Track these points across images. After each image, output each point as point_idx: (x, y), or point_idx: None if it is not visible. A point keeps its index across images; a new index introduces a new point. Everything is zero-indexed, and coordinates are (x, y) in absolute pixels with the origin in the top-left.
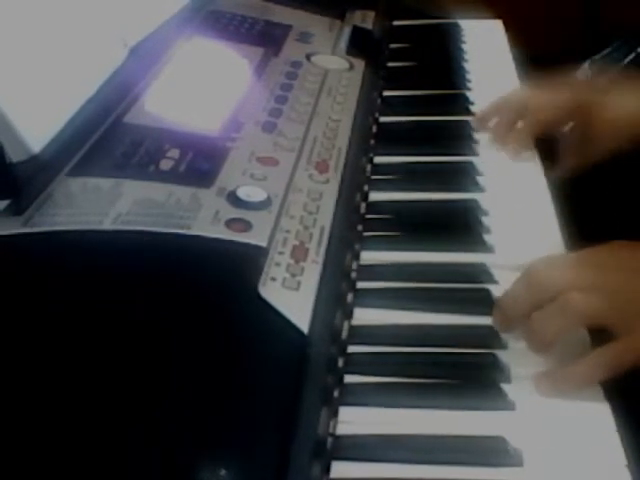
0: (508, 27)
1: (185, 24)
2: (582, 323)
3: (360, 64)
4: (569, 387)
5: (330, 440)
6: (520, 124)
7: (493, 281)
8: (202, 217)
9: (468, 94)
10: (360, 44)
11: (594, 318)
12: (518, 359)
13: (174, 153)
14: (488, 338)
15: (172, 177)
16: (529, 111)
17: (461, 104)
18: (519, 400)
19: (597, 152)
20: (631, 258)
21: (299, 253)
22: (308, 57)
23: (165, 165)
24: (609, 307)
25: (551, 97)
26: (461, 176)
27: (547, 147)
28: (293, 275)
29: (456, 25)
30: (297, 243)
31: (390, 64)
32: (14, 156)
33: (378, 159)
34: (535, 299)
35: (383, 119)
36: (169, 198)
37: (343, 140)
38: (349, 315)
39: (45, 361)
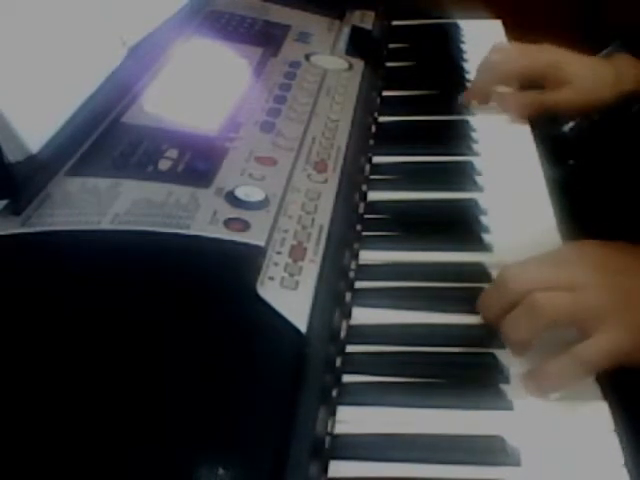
0: (508, 27)
1: (184, 24)
2: (549, 323)
3: (359, 64)
4: (547, 386)
5: (328, 439)
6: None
7: (491, 281)
8: (200, 217)
9: None
10: (359, 44)
11: (559, 317)
12: (517, 359)
13: (172, 153)
14: (486, 338)
15: (170, 177)
16: (498, 62)
17: (460, 104)
18: (517, 400)
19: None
20: (596, 254)
21: (297, 253)
22: (307, 57)
23: (163, 165)
24: (574, 305)
25: (515, 53)
26: (460, 176)
27: (547, 147)
28: (291, 275)
29: (455, 25)
30: (295, 243)
31: (389, 64)
32: (12, 156)
33: (377, 159)
34: (504, 301)
35: (382, 119)
36: (167, 198)
37: (342, 140)
38: (347, 315)
39: (43, 361)
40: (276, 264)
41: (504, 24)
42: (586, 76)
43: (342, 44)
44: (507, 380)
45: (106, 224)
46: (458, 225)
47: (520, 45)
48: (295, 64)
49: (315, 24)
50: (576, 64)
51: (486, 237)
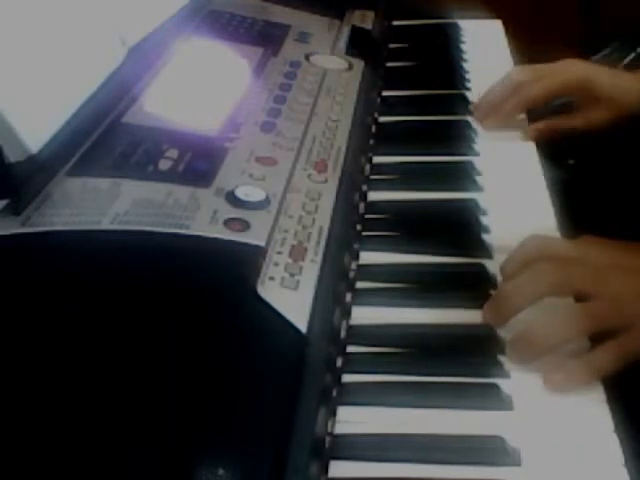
0: (508, 27)
1: (184, 24)
2: (552, 291)
3: (359, 64)
4: (572, 383)
5: (328, 439)
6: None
7: (491, 281)
8: (200, 217)
9: (467, 94)
10: (359, 44)
11: (565, 287)
12: (517, 363)
13: (173, 153)
14: (487, 338)
15: (171, 177)
16: (519, 86)
17: (460, 104)
18: (517, 400)
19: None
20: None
21: (297, 253)
22: (307, 57)
23: (164, 165)
24: (582, 276)
25: (542, 73)
26: (460, 176)
27: (547, 147)
28: (292, 275)
29: (455, 25)
30: (295, 243)
31: (389, 64)
32: (12, 156)
33: (377, 159)
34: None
35: (382, 119)
36: (168, 198)
37: (342, 140)
38: (347, 315)
39: (43, 362)
40: (276, 264)
41: (504, 24)
42: (615, 90)
43: (342, 44)
44: (507, 380)
45: (106, 224)
46: (458, 225)
47: (542, 65)
48: (295, 64)
49: (315, 24)
50: (604, 78)
51: (486, 237)
